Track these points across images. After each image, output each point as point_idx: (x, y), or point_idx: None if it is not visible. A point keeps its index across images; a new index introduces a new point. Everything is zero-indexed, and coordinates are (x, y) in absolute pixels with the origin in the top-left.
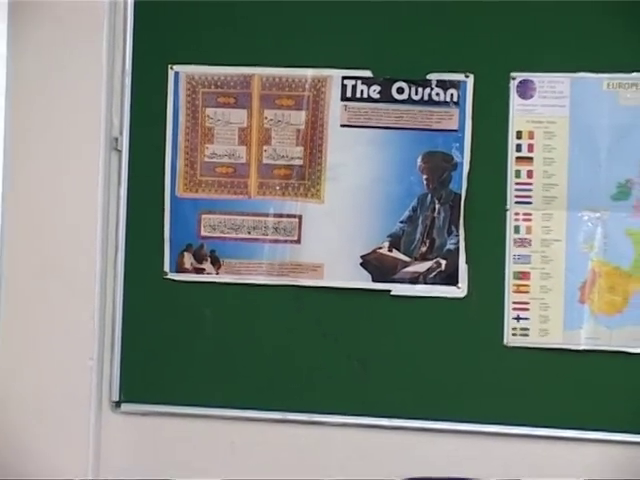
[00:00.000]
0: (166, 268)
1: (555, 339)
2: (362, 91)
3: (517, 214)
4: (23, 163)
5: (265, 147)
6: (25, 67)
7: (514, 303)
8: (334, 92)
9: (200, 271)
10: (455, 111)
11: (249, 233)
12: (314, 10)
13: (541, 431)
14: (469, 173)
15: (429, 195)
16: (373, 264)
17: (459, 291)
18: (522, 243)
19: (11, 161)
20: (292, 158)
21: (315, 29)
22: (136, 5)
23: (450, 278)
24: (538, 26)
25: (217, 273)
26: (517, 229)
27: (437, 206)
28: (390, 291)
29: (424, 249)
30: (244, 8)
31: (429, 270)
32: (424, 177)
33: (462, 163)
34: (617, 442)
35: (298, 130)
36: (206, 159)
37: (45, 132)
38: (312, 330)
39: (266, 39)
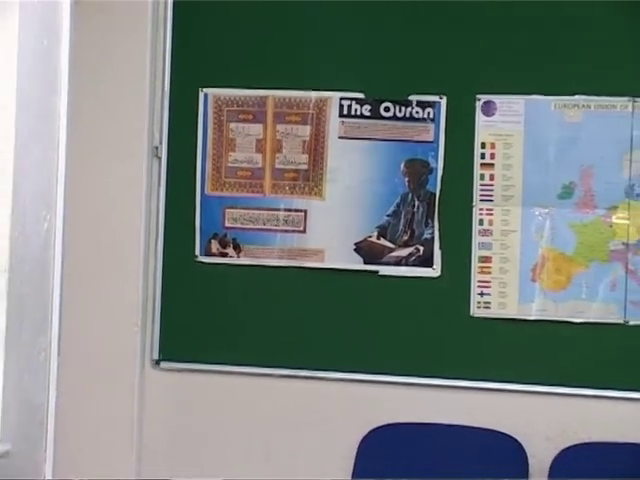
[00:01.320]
0: (197, 252)
1: (512, 311)
2: (356, 110)
3: (481, 209)
4: (83, 167)
5: (277, 155)
6: (84, 92)
7: (478, 282)
8: (333, 110)
9: (224, 255)
10: (431, 126)
11: (264, 224)
12: (317, 45)
13: (497, 385)
14: (442, 176)
15: (410, 194)
16: (364, 250)
17: (434, 272)
18: (485, 233)
19: (73, 166)
20: (299, 164)
21: (318, 60)
22: (173, 40)
23: (427, 261)
24: (499, 56)
25: (238, 257)
26: (481, 222)
27: (416, 203)
28: (378, 272)
29: (406, 237)
30: (260, 43)
31: (410, 255)
32: (406, 179)
33: (437, 168)
34: (559, 394)
35: (304, 141)
36: (229, 164)
37: (100, 142)
38: (315, 303)
39: (278, 67)
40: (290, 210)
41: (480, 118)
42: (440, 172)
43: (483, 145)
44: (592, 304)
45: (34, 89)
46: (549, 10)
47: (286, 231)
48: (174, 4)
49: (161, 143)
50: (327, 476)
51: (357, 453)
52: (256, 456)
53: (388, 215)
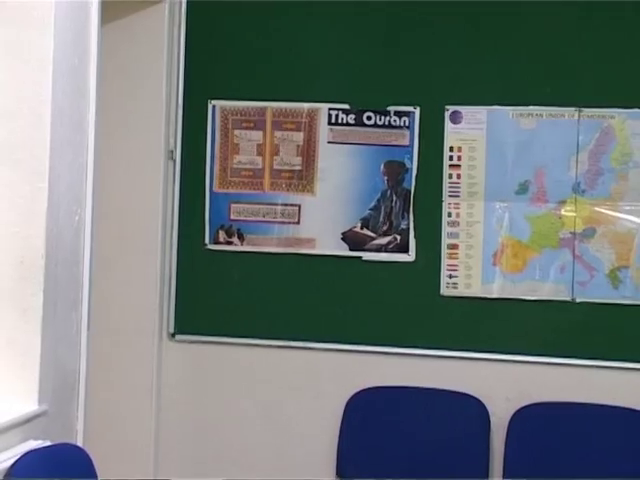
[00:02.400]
0: (206, 241)
1: (476, 291)
2: (342, 118)
3: (450, 204)
4: (108, 169)
5: (275, 157)
6: (109, 104)
7: (447, 266)
8: (323, 119)
9: (230, 243)
10: (407, 132)
11: (264, 217)
12: (309, 63)
13: (463, 353)
14: (416, 175)
15: (389, 190)
16: (350, 238)
17: (409, 257)
18: (453, 224)
19: (100, 167)
20: (294, 165)
21: (310, 76)
22: (186, 59)
23: (403, 248)
24: (464, 73)
25: (242, 245)
26: (450, 214)
27: (394, 198)
28: (362, 257)
29: (385, 228)
30: (261, 62)
31: (389, 243)
32: (385, 178)
33: (412, 168)
34: (517, 361)
35: (298, 146)
36: (234, 165)
37: (123, 147)
38: (307, 284)
39: (276, 83)
40: (286, 205)
41: (448, 125)
42: (414, 172)
43: (451, 149)
44: (544, 284)
45: (67, 101)
46: (506, 34)
47: (283, 223)
48: (187, 29)
49: (175, 147)
50: (318, 430)
51: (344, 412)
52: (257, 414)
53: (370, 209)
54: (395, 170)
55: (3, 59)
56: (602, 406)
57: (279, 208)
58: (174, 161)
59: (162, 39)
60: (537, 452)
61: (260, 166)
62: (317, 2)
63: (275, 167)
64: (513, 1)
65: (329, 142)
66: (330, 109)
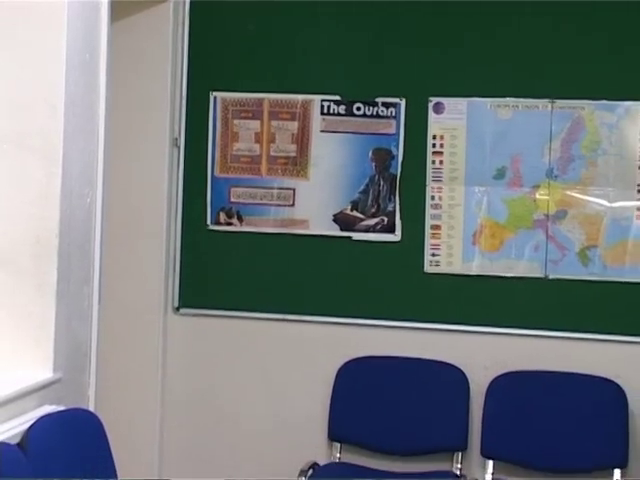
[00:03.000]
0: (208, 222)
1: (457, 268)
2: (334, 109)
3: (433, 188)
4: (117, 154)
5: (271, 145)
6: (118, 95)
7: (430, 245)
8: (316, 110)
9: (230, 224)
10: (393, 122)
11: (261, 200)
12: (303, 58)
13: (445, 326)
14: (402, 161)
15: (377, 176)
16: (340, 219)
17: (395, 237)
18: (436, 207)
19: (109, 153)
20: (289, 152)
21: (304, 70)
22: (189, 54)
23: (390, 228)
24: (446, 67)
25: (241, 225)
26: (433, 197)
27: (382, 182)
28: (351, 237)
29: (373, 210)
30: (258, 57)
31: (376, 224)
32: (373, 164)
33: (398, 155)
34: (494, 333)
35: (293, 134)
36: (234, 152)
37: (131, 135)
38: (302, 262)
39: (272, 76)
40: (282, 188)
41: (432, 116)
42: (400, 158)
43: (434, 137)
44: (519, 262)
45: (79, 93)
46: (486, 32)
47: (279, 205)
48: (190, 26)
49: (180, 135)
50: (312, 397)
51: (335, 379)
52: (255, 381)
53: (359, 192)
54: (382, 157)
55: (21, 55)
56: (572, 374)
57: (275, 192)
58: (178, 148)
59: (167, 36)
60: (513, 416)
61: (258, 153)
62: (310, 2)
63: (272, 154)
64: (492, 2)
65: (321, 131)
66: (322, 100)
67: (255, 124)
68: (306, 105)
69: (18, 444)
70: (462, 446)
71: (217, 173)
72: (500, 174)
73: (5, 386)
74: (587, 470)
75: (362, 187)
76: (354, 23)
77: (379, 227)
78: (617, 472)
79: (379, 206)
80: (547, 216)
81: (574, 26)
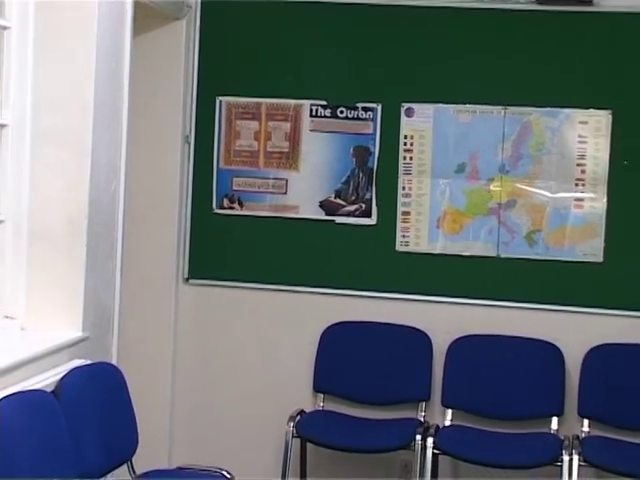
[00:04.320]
0: (214, 206)
1: (423, 248)
2: (321, 112)
3: (404, 180)
4: (137, 149)
5: (268, 142)
6: (138, 98)
7: (401, 228)
8: (306, 112)
9: (232, 208)
10: (371, 123)
11: (259, 188)
12: (296, 69)
13: (413, 296)
14: (378, 157)
15: (356, 169)
16: (326, 206)
17: (372, 221)
18: (406, 196)
19: (131, 148)
20: (283, 148)
21: (296, 79)
22: (199, 64)
23: (367, 214)
24: (416, 78)
25: (241, 210)
26: (404, 188)
27: (361, 175)
28: (335, 220)
29: (353, 198)
30: (258, 67)
31: (356, 209)
32: (354, 159)
33: (375, 152)
34: (453, 303)
35: (286, 133)
36: (236, 148)
37: (149, 132)
38: (292, 241)
39: (269, 84)
40: (276, 179)
41: (404, 119)
42: (377, 154)
43: (405, 137)
44: (476, 243)
45: (105, 95)
46: (450, 48)
47: (273, 193)
48: (200, 40)
49: (190, 133)
50: (300, 355)
51: (319, 340)
52: (252, 341)
53: (342, 183)
54: (362, 153)
55: (57, 63)
56: (518, 337)
57: (270, 181)
58: (189, 144)
59: (180, 48)
60: (468, 373)
61: (256, 148)
62: (301, 23)
63: (268, 149)
64: (454, 26)
65: (310, 130)
66: (311, 105)
67: (254, 124)
68: (297, 108)
69: (52, 392)
70: (426, 397)
71: (222, 165)
72: (460, 169)
73: (41, 343)
74: (530, 417)
75: (344, 178)
76: (339, 41)
77: (358, 212)
78: (555, 419)
79: (358, 195)
80: (499, 205)
81: (525, 44)
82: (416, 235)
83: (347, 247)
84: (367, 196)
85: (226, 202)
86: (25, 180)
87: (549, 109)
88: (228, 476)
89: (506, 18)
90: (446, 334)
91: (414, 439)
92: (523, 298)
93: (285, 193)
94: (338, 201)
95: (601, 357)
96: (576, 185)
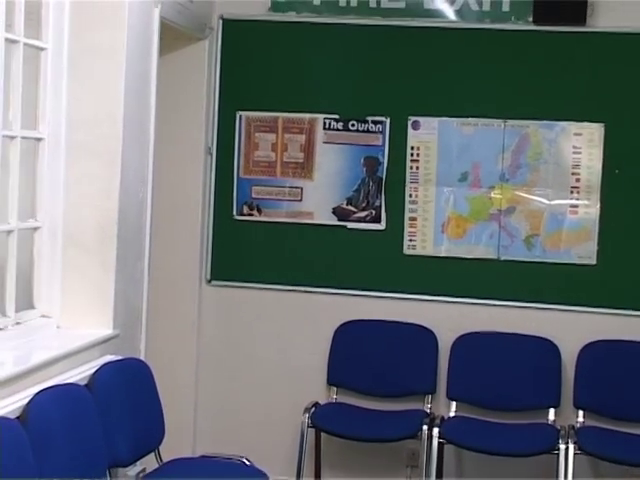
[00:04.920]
0: (234, 213)
1: (429, 251)
2: (334, 125)
3: (411, 188)
4: (163, 160)
5: (284, 153)
6: (165, 112)
7: (408, 232)
8: (320, 125)
9: (251, 215)
10: (380, 136)
11: (276, 196)
12: (310, 86)
13: (419, 296)
14: (387, 167)
15: (367, 178)
16: (338, 212)
17: (381, 226)
18: (413, 202)
19: (157, 158)
20: (298, 159)
21: (311, 95)
22: (220, 81)
23: (377, 219)
24: (422, 93)
25: (260, 216)
26: (410, 195)
27: (371, 183)
28: (346, 226)
29: (364, 205)
30: (275, 84)
31: (366, 215)
32: (364, 169)
33: (383, 162)
34: (457, 302)
35: (301, 144)
36: (254, 159)
37: (174, 144)
38: (307, 245)
39: (286, 99)
40: (292, 187)
41: (410, 131)
42: (386, 164)
43: (412, 148)
44: (478, 247)
45: (134, 112)
46: (452, 67)
47: (289, 200)
48: (221, 59)
49: (212, 145)
50: (315, 351)
51: (333, 337)
52: (270, 338)
53: (353, 191)
54: (372, 163)
55: (89, 81)
56: (518, 334)
57: (287, 190)
58: (211, 155)
59: (203, 67)
60: (471, 367)
61: (274, 159)
62: (315, 43)
63: (284, 160)
64: (457, 46)
65: (324, 142)
66: (325, 118)
67: (272, 136)
68: (312, 122)
69: (86, 385)
70: (432, 390)
71: (241, 175)
72: (463, 177)
73: (75, 340)
74: (528, 409)
75: (355, 187)
76: (350, 59)
77: (368, 218)
78: (552, 411)
79: (368, 202)
80: (500, 211)
81: (523, 62)
82: (422, 239)
83: (358, 251)
84: (377, 203)
85: (246, 209)
86: (60, 189)
87: (546, 122)
88: (248, 463)
89: (505, 37)
90: (450, 332)
91: (421, 429)
92: (522, 298)
93: (300, 200)
94: (350, 208)
95: (595, 352)
96: (571, 192)
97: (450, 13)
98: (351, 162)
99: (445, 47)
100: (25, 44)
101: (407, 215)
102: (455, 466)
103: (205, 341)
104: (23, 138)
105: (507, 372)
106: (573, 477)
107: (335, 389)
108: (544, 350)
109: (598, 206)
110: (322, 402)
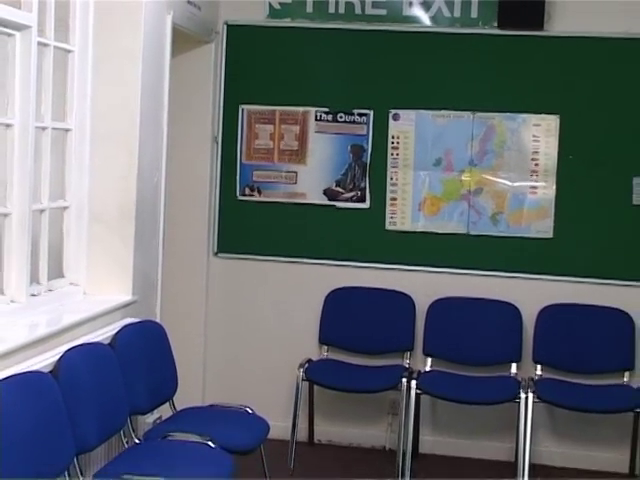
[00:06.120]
0: (237, 194)
1: (407, 227)
2: (324, 117)
3: (391, 172)
4: (175, 148)
5: (281, 141)
6: (176, 106)
7: (390, 211)
8: (312, 117)
9: (252, 195)
10: (365, 126)
11: (274, 179)
12: (304, 83)
13: (399, 266)
14: (371, 153)
15: (353, 163)
16: (328, 193)
17: (366, 205)
18: (393, 184)
19: (170, 147)
20: (293, 146)
21: (303, 90)
22: (225, 78)
23: (362, 199)
24: (401, 89)
25: (259, 196)
26: (391, 178)
27: (357, 168)
28: (335, 205)
29: (351, 186)
30: (273, 81)
31: (353, 196)
32: (351, 155)
33: (368, 149)
34: (432, 271)
35: (296, 134)
36: (255, 146)
37: (184, 133)
38: (301, 222)
39: (282, 95)
40: (288, 171)
41: (391, 122)
42: (369, 151)
43: (393, 137)
44: (450, 223)
45: (150, 106)
46: (428, 66)
47: (285, 183)
48: (225, 60)
49: (218, 135)
50: (308, 314)
51: (324, 302)
52: (269, 303)
53: (341, 174)
54: (357, 150)
55: (111, 79)
56: (484, 299)
57: (283, 174)
58: (217, 143)
59: (209, 66)
60: (444, 327)
61: (271, 147)
62: (308, 45)
63: (281, 147)
64: (432, 44)
65: (316, 132)
66: (316, 111)
67: (270, 127)
68: (305, 114)
69: (109, 344)
70: (410, 347)
71: (244, 160)
72: (437, 162)
73: (100, 305)
74: (494, 363)
75: (343, 171)
76: (338, 60)
77: (354, 198)
78: (514, 365)
79: (355, 184)
80: (469, 191)
81: (489, 62)
82: (402, 216)
83: (346, 227)
84: (362, 185)
85: (247, 190)
86: (85, 174)
87: (509, 114)
88: (250, 411)
89: (474, 40)
90: (426, 297)
91: (400, 382)
92: (488, 267)
93: (295, 183)
94: (338, 189)
95: (551, 314)
96: (531, 176)
97: (426, 19)
98: (339, 149)
99: (421, 49)
100: (55, 47)
101: (388, 195)
102: (430, 413)
103: (212, 305)
104: (53, 129)
105: (475, 332)
106: (532, 422)
107: (326, 347)
108: (507, 312)
109: (554, 187)
110: (315, 359)
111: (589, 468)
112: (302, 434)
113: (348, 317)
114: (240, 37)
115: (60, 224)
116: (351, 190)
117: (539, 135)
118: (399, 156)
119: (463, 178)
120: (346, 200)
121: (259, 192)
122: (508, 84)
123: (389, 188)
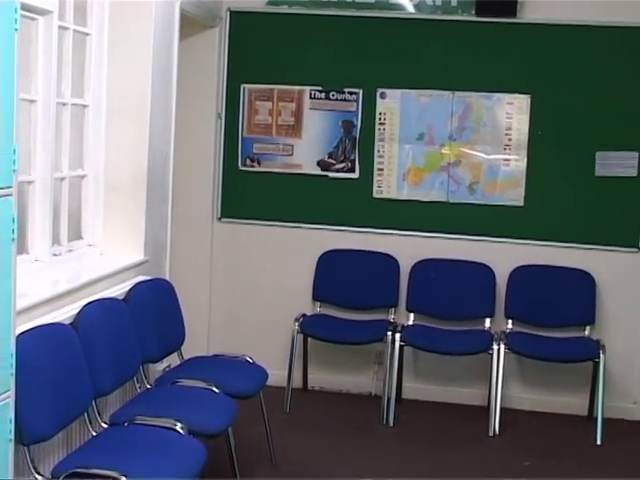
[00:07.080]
0: (239, 164)
1: (393, 195)
2: (318, 95)
3: (379, 145)
4: (183, 124)
5: (279, 117)
6: (183, 86)
7: (377, 180)
8: (307, 95)
9: (252, 166)
10: (355, 104)
11: (272, 151)
12: (299, 64)
13: (385, 231)
14: (360, 128)
15: (344, 137)
16: (321, 164)
17: (355, 175)
18: (380, 156)
19: (178, 123)
20: (289, 122)
21: (299, 70)
22: (228, 59)
23: (352, 170)
24: (388, 70)
25: (259, 167)
26: (378, 151)
27: (347, 141)
28: (328, 175)
29: (342, 158)
30: (271, 62)
31: (343, 167)
32: (342, 130)
33: (357, 125)
34: (415, 235)
35: (292, 110)
36: (255, 122)
37: (191, 111)
38: (297, 190)
39: (280, 74)
40: (285, 144)
41: (379, 100)
42: (359, 126)
43: (380, 113)
44: (432, 192)
45: (160, 86)
46: (411, 48)
47: (283, 155)
48: (228, 43)
49: (222, 111)
50: (304, 273)
51: (317, 263)
52: (269, 264)
53: (333, 147)
54: (348, 126)
55: (124, 60)
56: (461, 260)
57: (281, 146)
58: (221, 119)
59: (214, 49)
60: (425, 286)
61: (270, 122)
62: (303, 30)
63: (279, 123)
64: (415, 29)
65: (310, 109)
66: (311, 90)
67: (268, 104)
68: (300, 92)
69: (123, 299)
70: (394, 304)
71: (245, 134)
72: (420, 137)
73: (115, 264)
74: (470, 318)
75: (335, 144)
76: (331, 43)
77: (345, 169)
78: (487, 320)
79: (345, 156)
80: (449, 163)
81: (467, 46)
82: (388, 186)
83: (337, 195)
84: (352, 157)
85: (248, 161)
86: (102, 146)
87: (485, 93)
88: (250, 360)
89: (453, 27)
90: (409, 258)
91: (386, 334)
92: (466, 232)
93: (291, 155)
94: (330, 161)
95: (522, 274)
96: (504, 149)
97: (410, 7)
98: (331, 124)
99: (406, 34)
100: (74, 30)
101: (376, 166)
102: (412, 363)
103: (216, 265)
104: (73, 105)
105: (453, 290)
106: (503, 371)
107: (319, 303)
108: (482, 272)
109: (525, 160)
110: (309, 314)
111: (553, 411)
112: (297, 381)
113: (339, 276)
114: (242, 22)
115: (79, 191)
116: (342, 161)
117: (512, 113)
118: (385, 131)
119: (443, 151)
120: (337, 171)
121: (259, 163)
122: (484, 66)
123: (376, 160)
